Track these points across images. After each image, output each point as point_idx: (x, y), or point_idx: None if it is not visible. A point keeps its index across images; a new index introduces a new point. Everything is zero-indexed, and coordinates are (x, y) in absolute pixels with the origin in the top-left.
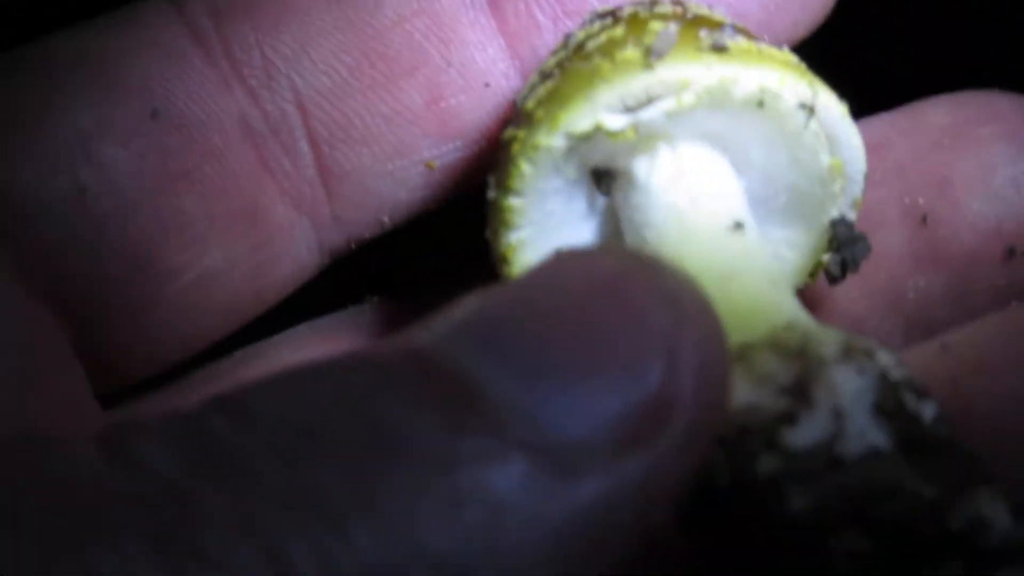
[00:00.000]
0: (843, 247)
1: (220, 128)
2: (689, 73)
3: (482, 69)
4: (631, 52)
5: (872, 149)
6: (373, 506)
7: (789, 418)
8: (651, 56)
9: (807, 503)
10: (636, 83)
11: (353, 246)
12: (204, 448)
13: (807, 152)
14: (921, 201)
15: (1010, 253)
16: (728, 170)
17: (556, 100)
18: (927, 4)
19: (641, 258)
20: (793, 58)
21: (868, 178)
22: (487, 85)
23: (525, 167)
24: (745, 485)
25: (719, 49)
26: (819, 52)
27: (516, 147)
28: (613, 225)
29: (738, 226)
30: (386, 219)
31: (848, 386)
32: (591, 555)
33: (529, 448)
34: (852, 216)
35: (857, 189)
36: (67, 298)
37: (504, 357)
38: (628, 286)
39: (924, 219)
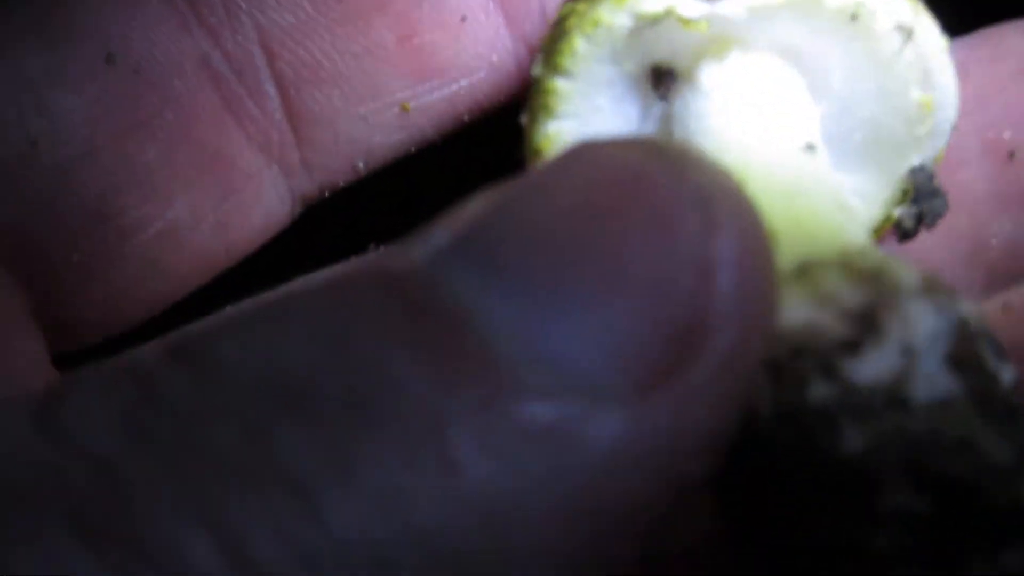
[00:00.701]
0: (920, 199)
1: (180, 71)
2: None
3: (458, 2)
4: None
5: None
6: (351, 478)
7: (852, 346)
8: None
9: (863, 443)
10: None
11: (327, 194)
12: (150, 412)
13: (897, 83)
14: (1007, 135)
15: None
16: (804, 92)
17: None
18: None
19: (669, 149)
20: None
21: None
22: (464, 19)
23: (580, 44)
24: (792, 415)
25: None
26: None
27: (573, 20)
28: (667, 137)
29: (810, 147)
30: (361, 164)
31: (925, 323)
32: (610, 525)
33: (534, 395)
34: (934, 167)
35: (941, 141)
36: (21, 255)
37: (503, 280)
38: (652, 184)
39: (1011, 156)
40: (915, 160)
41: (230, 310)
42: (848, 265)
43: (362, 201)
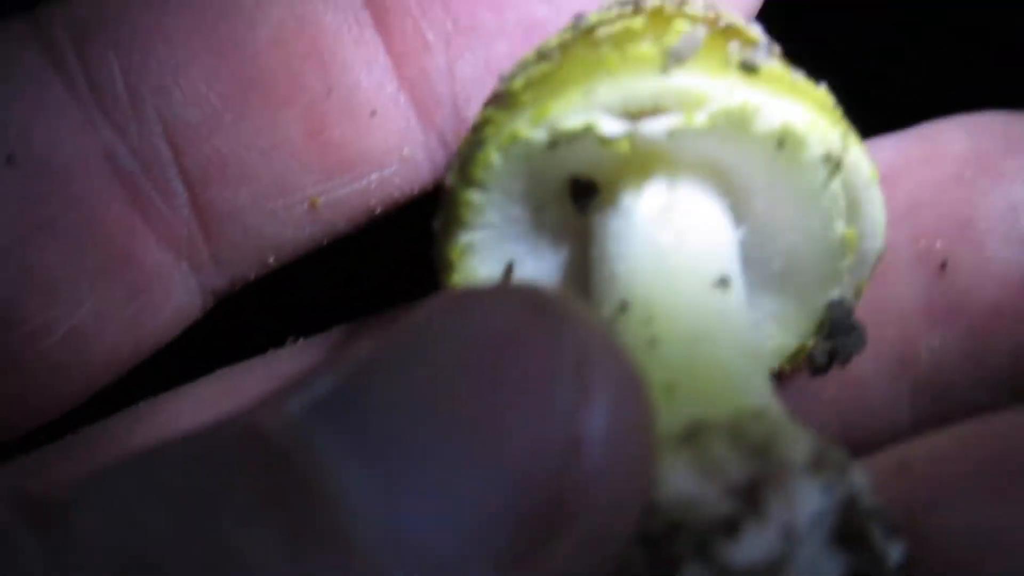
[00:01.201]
0: (836, 334)
1: (85, 169)
2: (708, 89)
3: (367, 94)
4: (647, 49)
5: (881, 181)
6: None
7: (731, 526)
8: (669, 58)
9: None
10: (645, 86)
11: (237, 287)
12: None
13: (821, 216)
14: (938, 245)
15: None
16: (726, 219)
17: (549, 86)
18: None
19: (547, 304)
20: (829, 99)
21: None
22: (373, 112)
23: (495, 157)
24: None
25: (748, 68)
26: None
27: (489, 130)
28: (582, 250)
29: (723, 282)
30: (271, 259)
31: (809, 504)
32: None
33: (387, 569)
34: (853, 301)
35: (866, 271)
36: None
37: (362, 447)
38: (524, 347)
39: (942, 266)
40: (835, 293)
41: (93, 470)
42: (738, 432)
43: (275, 291)
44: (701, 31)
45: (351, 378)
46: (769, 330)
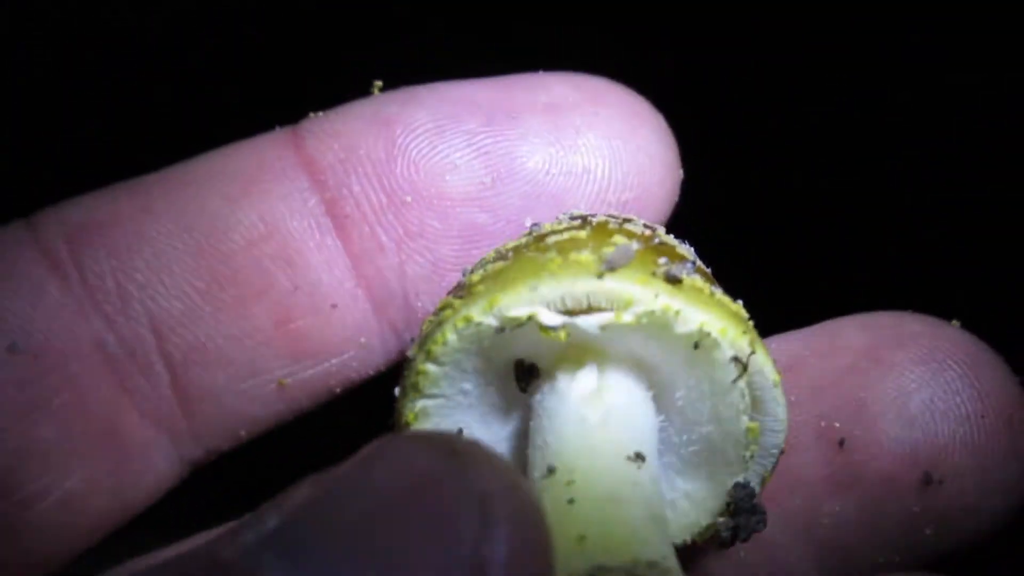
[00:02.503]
0: (739, 514)
1: (77, 355)
2: (635, 293)
3: (328, 291)
4: (586, 256)
5: (787, 369)
6: None
7: None
8: (603, 265)
9: None
10: (580, 286)
11: (212, 458)
12: None
13: (730, 409)
14: (837, 424)
15: (926, 480)
16: (648, 405)
17: (500, 281)
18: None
19: (458, 448)
20: (743, 312)
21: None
22: (334, 306)
23: (451, 336)
24: None
25: (672, 280)
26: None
27: (448, 313)
28: (525, 424)
29: (638, 457)
30: (243, 433)
31: None
32: None
33: None
34: (757, 488)
35: (769, 464)
36: None
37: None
38: (436, 486)
39: (841, 443)
40: (740, 478)
41: None
42: (633, 574)
43: (247, 461)
44: (635, 245)
45: (293, 516)
46: (683, 508)
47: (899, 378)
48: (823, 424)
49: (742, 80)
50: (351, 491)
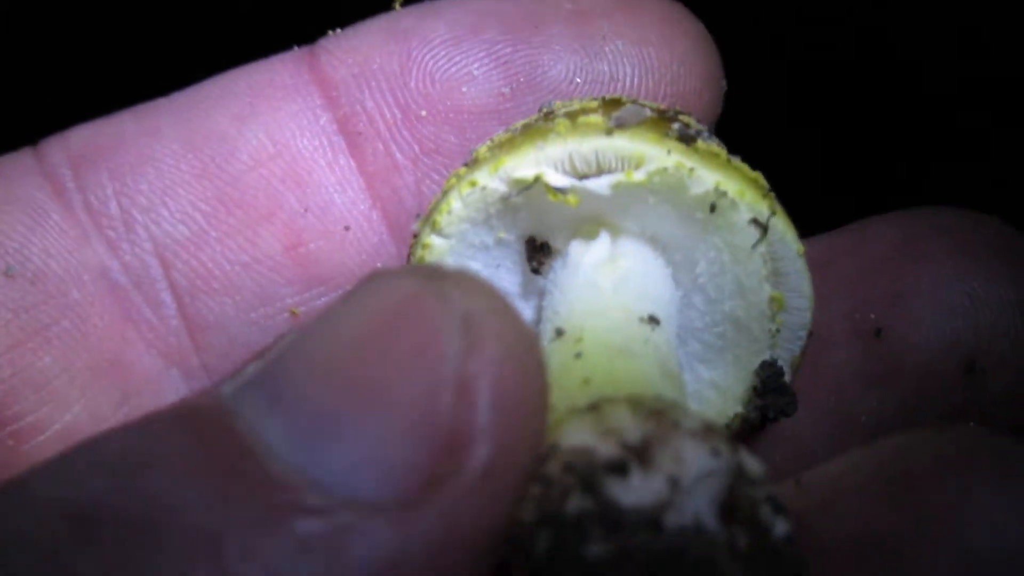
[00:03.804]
0: (768, 394)
1: (79, 282)
2: (646, 150)
3: (341, 212)
4: (594, 118)
5: (817, 266)
6: None
7: (620, 469)
8: (612, 122)
9: (607, 552)
10: (588, 144)
11: None
12: None
13: (752, 278)
14: (872, 316)
15: (969, 368)
16: (664, 273)
17: (506, 146)
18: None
19: (442, 274)
20: (763, 181)
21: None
22: (347, 228)
23: (455, 204)
24: (550, 521)
25: (685, 139)
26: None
27: (452, 181)
28: (537, 312)
29: (652, 320)
30: None
31: (696, 461)
32: None
33: (309, 512)
34: (784, 366)
35: (797, 347)
36: None
37: (284, 413)
38: (419, 309)
39: (877, 333)
40: (768, 356)
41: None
42: (636, 402)
43: None
44: (647, 110)
45: (275, 360)
46: (709, 398)
47: (936, 267)
48: (857, 317)
49: None
50: (333, 324)
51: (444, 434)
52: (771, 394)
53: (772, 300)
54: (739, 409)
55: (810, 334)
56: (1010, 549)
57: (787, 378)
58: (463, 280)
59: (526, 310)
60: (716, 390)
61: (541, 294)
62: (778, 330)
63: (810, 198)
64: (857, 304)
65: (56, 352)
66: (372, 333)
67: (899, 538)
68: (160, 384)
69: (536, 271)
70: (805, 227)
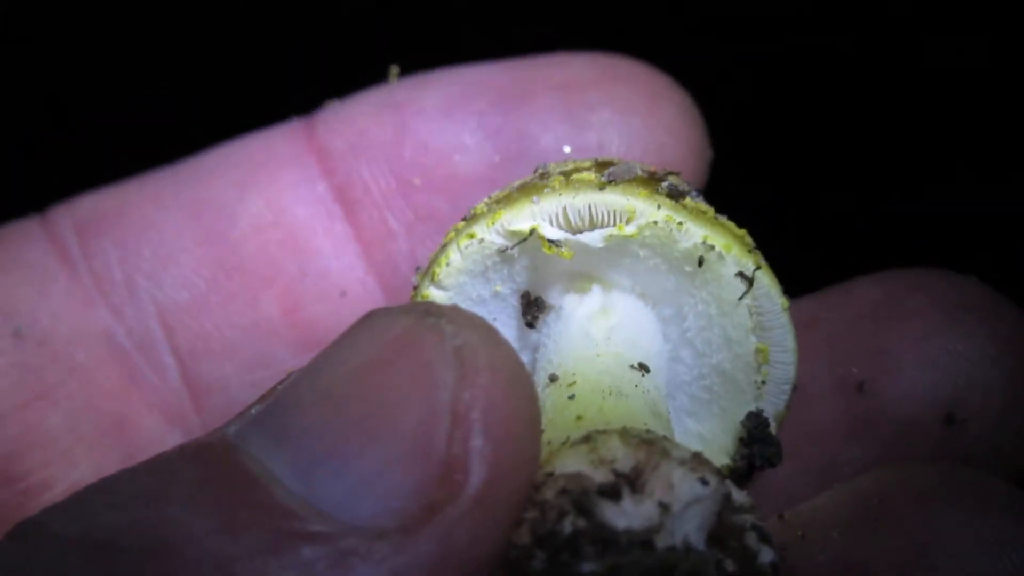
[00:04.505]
0: (754, 444)
1: (85, 345)
2: (637, 204)
3: (338, 278)
4: (587, 175)
5: (803, 326)
6: None
7: (613, 493)
8: (605, 177)
9: (601, 568)
10: (581, 198)
11: None
12: None
13: (737, 329)
14: (855, 370)
15: (948, 419)
16: (654, 326)
17: (503, 201)
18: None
19: (434, 311)
20: (749, 238)
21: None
22: (344, 293)
23: (454, 256)
24: (545, 541)
25: (675, 195)
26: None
27: (451, 235)
28: (532, 366)
29: (642, 367)
30: None
31: (685, 488)
32: None
33: (314, 538)
34: (771, 423)
35: (782, 401)
36: None
37: (287, 445)
38: (414, 345)
39: (860, 386)
40: (754, 407)
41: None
42: (627, 434)
43: None
44: (638, 168)
45: (277, 398)
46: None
47: (916, 324)
48: (840, 372)
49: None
50: (331, 360)
51: (440, 461)
52: (757, 444)
53: (758, 351)
54: (726, 460)
55: (795, 388)
56: None
57: (773, 430)
58: (455, 315)
59: None
60: (703, 442)
61: (535, 348)
62: (763, 382)
63: (794, 260)
64: (840, 359)
65: (63, 412)
66: (369, 367)
67: (874, 567)
68: (163, 444)
69: (531, 325)
70: (789, 289)
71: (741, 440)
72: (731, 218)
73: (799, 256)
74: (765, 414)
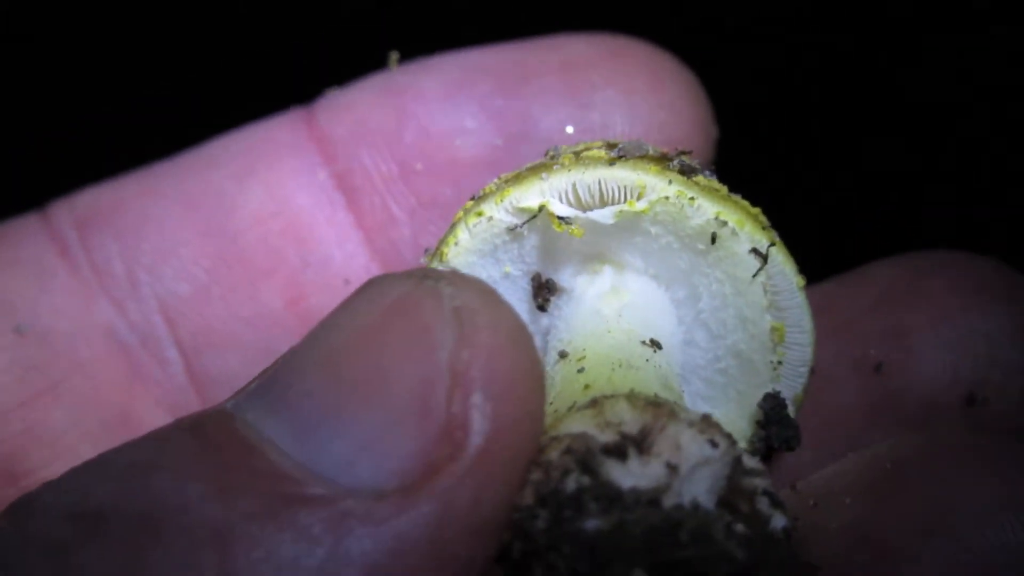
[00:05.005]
0: (771, 425)
1: (87, 341)
2: (648, 180)
3: (341, 266)
4: (597, 152)
5: (819, 309)
6: None
7: (619, 453)
8: (615, 153)
9: (605, 526)
10: (591, 173)
11: None
12: None
13: (753, 309)
14: (873, 352)
15: (970, 400)
16: (666, 304)
17: (512, 180)
18: None
19: (433, 274)
20: (763, 217)
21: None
22: (347, 282)
23: (462, 235)
24: (548, 500)
25: (686, 171)
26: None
27: (460, 215)
28: (543, 351)
29: (653, 343)
30: None
31: (694, 450)
32: None
33: (312, 501)
34: (790, 405)
35: (799, 383)
36: None
37: (285, 411)
38: (413, 307)
39: (878, 368)
40: (771, 388)
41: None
42: (634, 397)
43: None
44: (648, 146)
45: (276, 368)
46: None
47: (935, 303)
48: (858, 354)
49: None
50: (330, 327)
51: (440, 420)
52: (775, 425)
53: (773, 330)
54: (743, 445)
55: (812, 371)
56: (998, 540)
57: (791, 413)
58: (454, 278)
59: None
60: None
61: (547, 331)
62: (780, 362)
63: (810, 246)
64: (858, 341)
65: (66, 408)
66: (368, 330)
67: (889, 532)
68: None
69: (542, 308)
70: (807, 275)
71: (758, 423)
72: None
73: (816, 242)
74: (783, 396)
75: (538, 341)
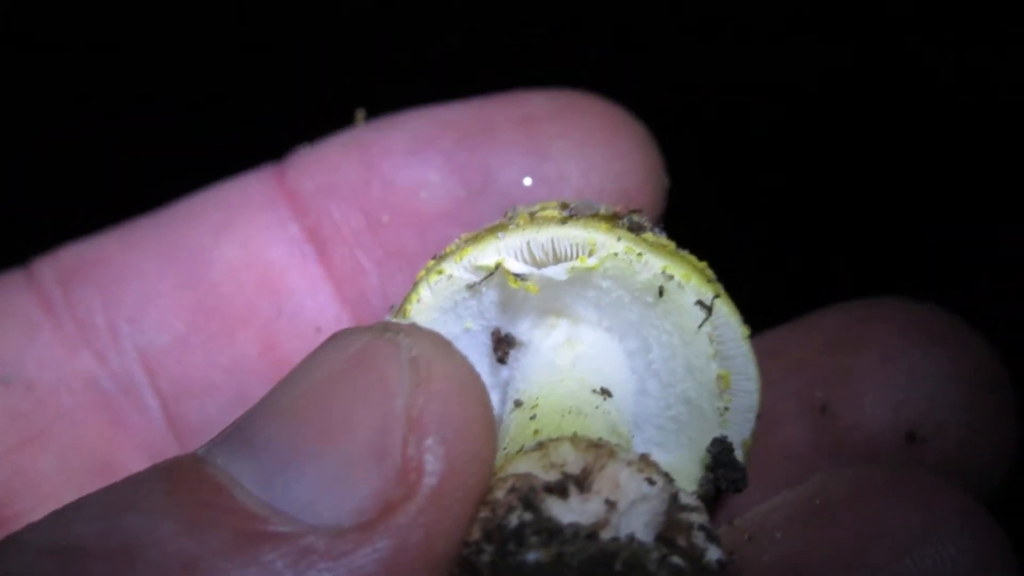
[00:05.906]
0: (719, 468)
1: (71, 391)
2: (597, 237)
3: (312, 315)
4: (551, 212)
5: (768, 355)
6: None
7: (560, 490)
8: (566, 212)
9: (544, 557)
10: (544, 233)
11: None
12: None
13: (699, 357)
14: (819, 394)
15: (909, 438)
16: (620, 360)
17: (471, 240)
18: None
19: (392, 326)
20: (709, 271)
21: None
22: (319, 330)
23: (424, 292)
24: (494, 535)
25: (635, 229)
26: None
27: (422, 274)
28: (502, 406)
29: (604, 391)
30: None
31: (632, 488)
32: None
33: (276, 537)
34: (738, 451)
35: (747, 429)
36: None
37: (251, 455)
38: (372, 355)
39: (823, 409)
40: (719, 433)
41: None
42: (577, 439)
43: None
44: (600, 205)
45: (243, 418)
46: None
47: (878, 346)
48: (804, 396)
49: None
50: (296, 378)
51: (396, 463)
52: (722, 468)
53: (720, 378)
54: (694, 488)
55: (759, 417)
56: (917, 569)
57: (740, 457)
58: (412, 330)
59: (492, 399)
60: (672, 473)
61: (506, 383)
62: (727, 408)
63: (761, 294)
64: (805, 384)
65: (52, 455)
66: (331, 378)
67: (816, 564)
68: None
69: (502, 361)
70: (756, 322)
71: (707, 466)
72: (695, 253)
73: (767, 290)
74: (730, 440)
75: (499, 393)
